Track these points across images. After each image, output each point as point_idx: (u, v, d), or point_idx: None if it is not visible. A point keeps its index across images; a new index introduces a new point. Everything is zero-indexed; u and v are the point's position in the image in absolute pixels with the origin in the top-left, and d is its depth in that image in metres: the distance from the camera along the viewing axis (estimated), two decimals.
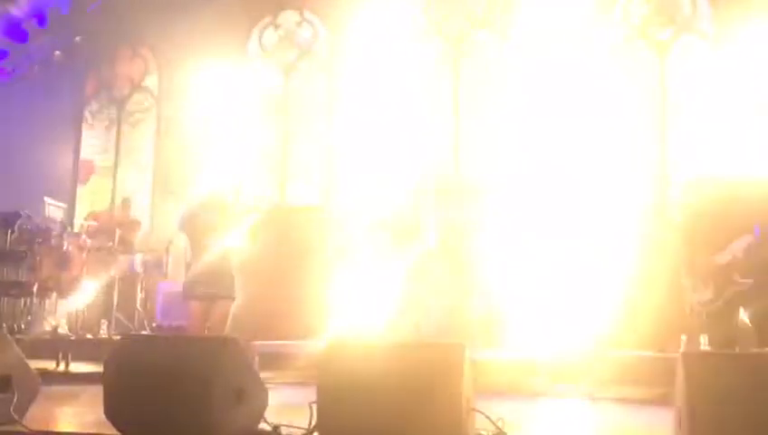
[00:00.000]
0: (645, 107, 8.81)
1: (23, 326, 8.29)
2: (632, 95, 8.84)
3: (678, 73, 8.75)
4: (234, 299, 5.83)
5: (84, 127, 11.20)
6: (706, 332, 5.36)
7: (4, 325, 8.08)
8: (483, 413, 3.87)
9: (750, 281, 4.65)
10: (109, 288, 8.66)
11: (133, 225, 9.14)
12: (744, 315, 4.76)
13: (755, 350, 4.44)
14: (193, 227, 5.89)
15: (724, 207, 4.79)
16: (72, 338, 8.24)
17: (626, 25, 9.06)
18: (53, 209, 8.98)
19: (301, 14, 10.38)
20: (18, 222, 8.49)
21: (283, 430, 4.06)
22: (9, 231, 8.45)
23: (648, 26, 8.95)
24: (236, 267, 6.01)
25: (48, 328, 8.44)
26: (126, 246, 8.87)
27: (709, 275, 4.77)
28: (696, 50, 8.75)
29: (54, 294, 8.58)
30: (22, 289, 8.45)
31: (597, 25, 9.01)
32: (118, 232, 8.74)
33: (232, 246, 5.87)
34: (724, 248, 4.72)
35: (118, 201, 9.95)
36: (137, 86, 11.13)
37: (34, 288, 8.47)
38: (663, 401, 3.97)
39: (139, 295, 8.56)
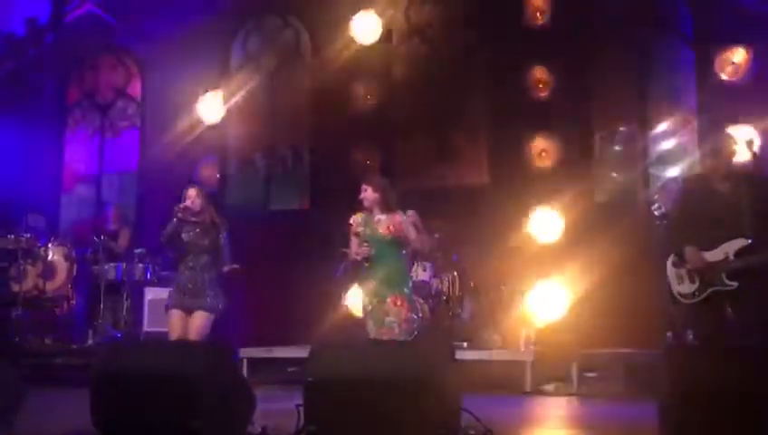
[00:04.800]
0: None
1: (9, 337, 8.23)
2: None
3: None
4: (213, 313, 5.80)
5: (68, 134, 11.14)
6: (692, 327, 5.43)
7: None
8: (470, 412, 3.90)
9: (735, 284, 4.71)
10: (94, 296, 8.62)
11: (122, 232, 9.11)
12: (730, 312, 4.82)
13: (739, 344, 4.50)
14: (177, 239, 5.89)
15: (712, 205, 4.85)
16: (59, 347, 8.20)
17: None
18: (36, 218, 8.91)
19: (284, 18, 10.39)
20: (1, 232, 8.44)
21: (271, 432, 4.07)
22: None
23: None
24: (221, 278, 6.00)
25: (34, 338, 8.40)
26: (112, 253, 8.83)
27: (696, 270, 4.82)
28: None
29: (40, 304, 8.54)
30: (6, 300, 8.40)
31: None
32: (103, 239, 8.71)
33: (216, 257, 5.87)
34: (716, 247, 4.77)
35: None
36: (120, 93, 11.09)
37: (20, 299, 8.42)
38: (647, 396, 4.00)
39: (126, 303, 8.53)
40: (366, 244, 5.23)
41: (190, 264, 5.83)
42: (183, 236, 5.85)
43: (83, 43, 10.75)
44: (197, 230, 5.86)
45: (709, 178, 4.94)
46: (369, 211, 5.37)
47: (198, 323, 5.72)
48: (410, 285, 5.45)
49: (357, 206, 5.51)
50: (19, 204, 9.00)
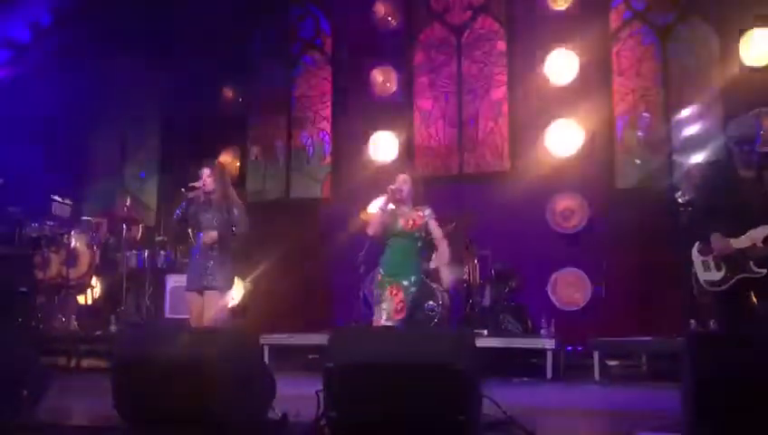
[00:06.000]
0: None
1: (33, 324, 8.34)
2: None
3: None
4: (227, 290, 5.83)
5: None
6: (717, 314, 5.36)
7: (17, 322, 8.14)
8: (491, 398, 3.89)
9: (764, 271, 4.65)
10: (117, 283, 8.70)
11: (137, 220, 9.21)
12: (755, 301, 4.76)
13: (764, 332, 4.44)
14: (191, 219, 5.91)
15: (737, 191, 4.78)
16: (82, 334, 8.29)
17: None
18: (61, 207, 8.99)
19: (304, 7, 10.37)
20: (25, 220, 8.53)
21: (291, 418, 4.08)
22: (16, 230, 8.49)
23: None
24: (238, 260, 6.01)
25: (58, 325, 8.50)
26: (132, 241, 8.93)
27: (723, 258, 4.76)
28: None
29: (64, 292, 8.63)
30: (31, 287, 8.50)
31: None
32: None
33: (229, 238, 5.87)
34: (743, 233, 4.71)
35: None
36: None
37: (44, 286, 8.53)
38: (670, 384, 3.96)
39: (148, 290, 8.59)
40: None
41: (202, 242, 5.84)
42: (199, 217, 5.87)
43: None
44: (210, 209, 5.87)
45: (734, 165, 4.87)
46: (400, 203, 5.35)
47: (212, 302, 5.74)
48: (414, 279, 5.33)
49: (378, 194, 5.52)
50: (44, 192, 9.09)
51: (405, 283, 5.26)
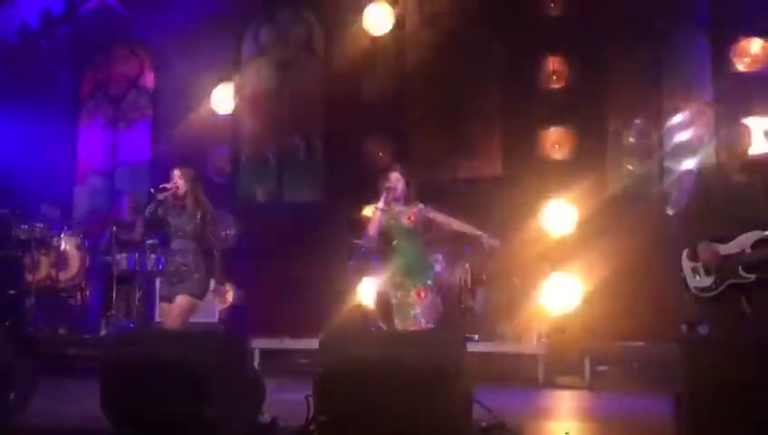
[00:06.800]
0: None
1: (22, 326, 8.28)
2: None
3: None
4: (197, 296, 5.75)
5: (81, 125, 11.17)
6: (707, 320, 5.37)
7: (6, 325, 8.09)
8: (482, 404, 3.87)
9: (753, 277, 4.65)
10: (107, 287, 8.65)
11: (137, 222, 9.14)
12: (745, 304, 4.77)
13: (755, 337, 4.44)
14: (162, 222, 5.87)
15: (728, 197, 4.79)
16: (72, 337, 8.25)
17: None
18: (50, 209, 8.95)
19: (296, 10, 10.35)
20: (14, 223, 8.48)
21: (281, 423, 4.06)
22: (4, 232, 8.44)
23: None
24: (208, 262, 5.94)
25: (47, 328, 8.45)
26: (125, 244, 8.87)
27: (712, 264, 4.76)
28: None
29: (53, 294, 8.58)
30: (20, 290, 8.45)
31: None
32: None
33: (201, 240, 5.83)
34: (732, 239, 4.71)
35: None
36: (133, 84, 11.11)
37: (33, 289, 8.47)
38: (661, 389, 3.96)
39: (138, 293, 8.55)
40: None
41: (174, 247, 5.81)
42: (169, 220, 5.82)
43: (97, 34, 10.76)
44: (182, 214, 5.82)
45: (725, 170, 4.88)
46: (394, 202, 5.39)
47: (178, 304, 5.69)
48: (432, 274, 5.48)
49: (371, 197, 5.53)
50: (33, 194, 9.04)
51: (429, 282, 5.35)
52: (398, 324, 5.27)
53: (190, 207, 5.83)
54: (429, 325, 5.21)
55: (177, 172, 5.85)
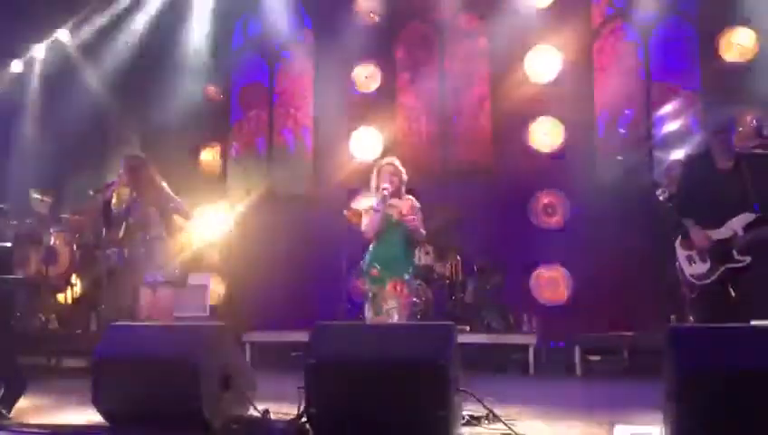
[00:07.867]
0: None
1: (12, 322, 8.21)
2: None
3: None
4: (177, 284, 5.77)
5: None
6: (700, 309, 5.37)
7: None
8: (470, 393, 3.88)
9: (748, 259, 4.68)
10: (97, 282, 8.59)
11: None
12: (733, 293, 4.78)
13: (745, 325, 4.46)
14: (117, 218, 5.86)
15: (717, 182, 4.81)
16: (62, 333, 8.20)
17: None
18: (40, 203, 8.86)
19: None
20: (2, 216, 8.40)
21: (273, 414, 4.07)
22: None
23: None
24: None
25: (38, 324, 8.39)
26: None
27: (706, 250, 4.78)
28: None
29: (43, 290, 8.52)
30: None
31: None
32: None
33: (168, 223, 5.80)
34: (723, 224, 4.74)
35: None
36: None
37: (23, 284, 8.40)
38: (651, 379, 3.98)
39: (126, 287, 8.48)
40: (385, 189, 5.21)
41: (142, 238, 5.78)
42: (130, 217, 5.77)
43: None
44: (139, 204, 5.75)
45: (712, 157, 4.90)
46: (392, 196, 5.30)
47: (161, 296, 5.71)
48: (411, 270, 5.35)
49: (363, 190, 5.48)
50: (23, 188, 8.98)
51: (406, 276, 5.22)
52: (370, 319, 5.14)
53: (147, 195, 5.75)
54: (404, 321, 5.08)
55: (121, 163, 5.80)
